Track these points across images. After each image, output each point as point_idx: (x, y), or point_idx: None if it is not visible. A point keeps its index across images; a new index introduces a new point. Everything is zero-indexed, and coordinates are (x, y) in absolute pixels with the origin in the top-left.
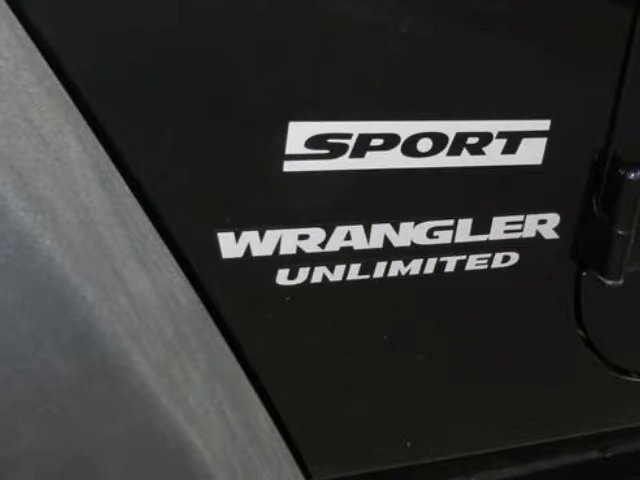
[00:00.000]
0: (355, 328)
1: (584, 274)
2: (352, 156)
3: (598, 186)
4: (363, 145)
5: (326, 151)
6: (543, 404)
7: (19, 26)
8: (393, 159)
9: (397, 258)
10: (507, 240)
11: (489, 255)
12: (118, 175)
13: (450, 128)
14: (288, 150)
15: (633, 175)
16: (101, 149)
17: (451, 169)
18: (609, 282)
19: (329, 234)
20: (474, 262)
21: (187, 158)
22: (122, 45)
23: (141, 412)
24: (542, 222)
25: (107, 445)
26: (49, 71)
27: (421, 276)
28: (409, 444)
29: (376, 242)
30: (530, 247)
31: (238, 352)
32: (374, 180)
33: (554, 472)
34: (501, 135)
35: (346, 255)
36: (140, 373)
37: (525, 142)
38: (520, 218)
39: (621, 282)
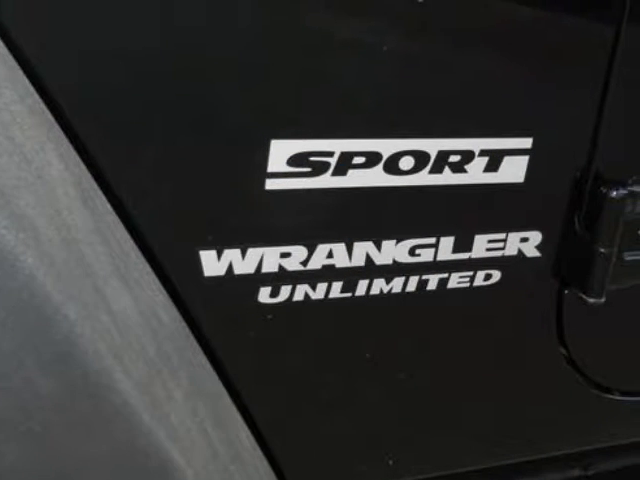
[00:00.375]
0: (337, 346)
1: (566, 292)
2: (334, 174)
3: (580, 204)
4: (345, 163)
5: (308, 169)
6: (525, 422)
7: (0, 44)
8: (375, 177)
9: (379, 276)
10: (489, 258)
11: (471, 273)
12: (100, 193)
13: (432, 146)
14: (270, 168)
15: (615, 193)
16: (83, 167)
17: (433, 187)
18: (591, 300)
19: (311, 252)
20: (456, 280)
21: (169, 176)
22: (104, 63)
23: (123, 430)
24: (524, 240)
25: (89, 463)
26: (31, 89)
27: (403, 294)
28: (391, 462)
29: (358, 260)
30: (512, 265)
31: (220, 370)
32: (356, 198)
33: None
34: (483, 153)
35: (328, 273)
36: (122, 391)
37: (507, 160)
38: (502, 236)
39: (603, 300)
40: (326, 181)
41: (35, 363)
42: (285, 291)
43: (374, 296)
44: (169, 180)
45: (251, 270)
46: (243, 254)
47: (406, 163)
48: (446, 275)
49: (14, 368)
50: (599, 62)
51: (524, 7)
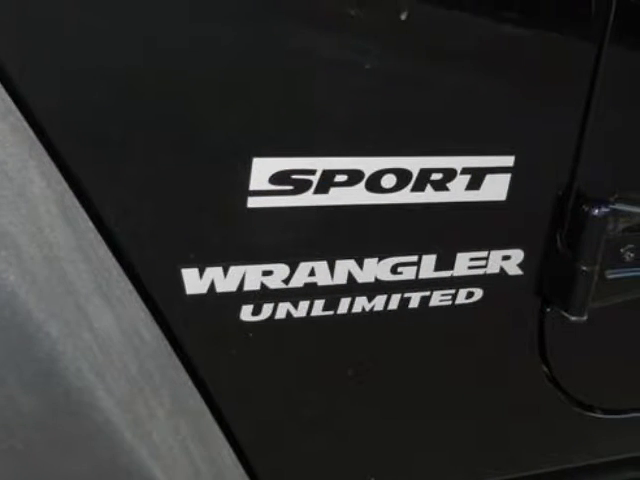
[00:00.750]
0: (319, 364)
1: (548, 310)
2: (316, 192)
3: (562, 222)
4: (327, 181)
5: (290, 187)
6: (507, 440)
7: None
8: (357, 195)
9: (361, 294)
10: (471, 276)
11: (453, 291)
12: (82, 211)
13: (414, 164)
14: (252, 186)
15: (597, 211)
16: (65, 184)
17: (415, 205)
18: (573, 318)
19: (293, 270)
20: (438, 298)
21: (151, 193)
22: (86, 81)
23: (105, 448)
24: (506, 258)
25: None
26: (13, 107)
27: (385, 312)
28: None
29: (340, 278)
30: (494, 283)
31: (202, 388)
32: (338, 216)
33: None
34: (465, 171)
35: (310, 291)
36: (104, 409)
37: (489, 178)
38: (484, 254)
39: (585, 318)
40: (308, 199)
41: (17, 381)
42: (267, 309)
43: (356, 314)
44: (151, 198)
45: (233, 288)
46: (225, 272)
47: (388, 181)
48: (428, 293)
49: None
50: (581, 80)
51: (506, 26)
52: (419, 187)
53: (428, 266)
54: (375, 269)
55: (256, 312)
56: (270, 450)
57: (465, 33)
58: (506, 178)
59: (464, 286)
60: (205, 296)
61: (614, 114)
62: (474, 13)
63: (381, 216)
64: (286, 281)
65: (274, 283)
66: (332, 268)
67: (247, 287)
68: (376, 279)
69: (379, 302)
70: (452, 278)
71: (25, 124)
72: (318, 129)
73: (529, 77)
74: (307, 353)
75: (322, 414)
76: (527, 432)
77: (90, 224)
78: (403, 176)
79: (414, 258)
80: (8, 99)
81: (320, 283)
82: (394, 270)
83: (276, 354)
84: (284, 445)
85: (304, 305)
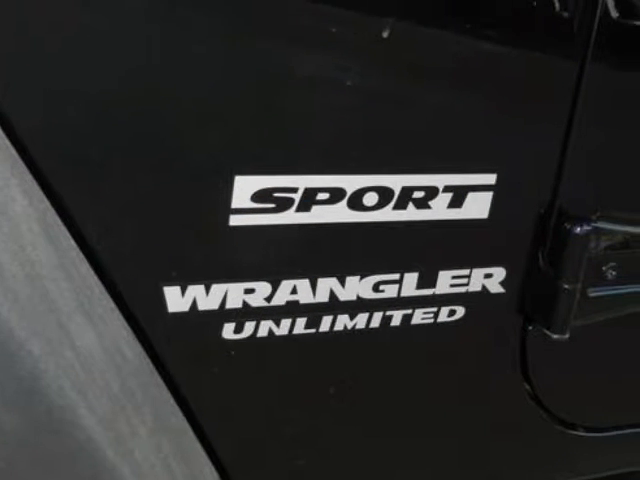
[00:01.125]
0: (301, 382)
1: (530, 328)
2: (298, 210)
3: (544, 240)
4: (309, 199)
5: (272, 205)
6: (489, 458)
7: None
8: (339, 213)
9: (343, 312)
10: (453, 294)
11: (435, 309)
12: (64, 229)
13: (396, 182)
14: (234, 204)
15: (579, 229)
16: (47, 203)
17: (397, 223)
18: (555, 336)
19: (275, 288)
20: (420, 316)
21: (133, 212)
22: (67, 100)
23: (87, 466)
24: (488, 276)
25: None
26: None
27: (367, 330)
28: None
29: (322, 296)
30: (476, 301)
31: (184, 406)
32: (320, 234)
33: None
34: (447, 189)
35: (292, 309)
36: (86, 427)
37: (471, 196)
38: (466, 272)
39: (567, 336)
40: (290, 217)
41: None
42: (249, 327)
43: (338, 332)
44: (133, 216)
45: (215, 306)
46: (207, 290)
47: (370, 199)
48: (410, 311)
49: None
50: (563, 98)
51: (488, 44)
52: (401, 205)
53: (410, 284)
54: (357, 287)
55: (238, 330)
56: (252, 468)
57: (447, 51)
58: (488, 196)
59: (446, 304)
60: (187, 314)
61: (596, 132)
62: (456, 31)
63: (363, 234)
64: (268, 299)
65: (256, 301)
66: (314, 286)
67: (229, 305)
68: (358, 297)
69: (361, 320)
70: (434, 296)
71: (7, 142)
72: (300, 147)
73: (511, 95)
74: (289, 371)
75: (304, 432)
76: (509, 450)
77: (72, 242)
78: (385, 194)
79: (396, 276)
80: None
81: (302, 301)
82: (376, 288)
83: (258, 372)
84: (266, 463)
85: (286, 323)
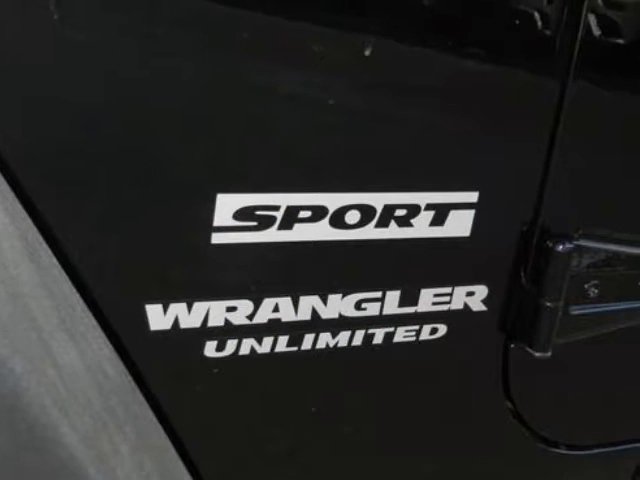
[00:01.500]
0: (283, 400)
1: (512, 346)
2: (280, 228)
3: (526, 258)
4: (291, 217)
5: (254, 223)
6: (471, 476)
7: None
8: (321, 231)
9: (325, 330)
10: (435, 312)
11: (417, 327)
12: (46, 246)
13: (378, 200)
14: (216, 222)
15: (561, 247)
16: (29, 221)
17: (379, 241)
18: (537, 354)
19: (257, 306)
20: (402, 334)
21: (115, 230)
22: (49, 117)
23: None
24: (470, 294)
25: None
26: None
27: (349, 348)
28: None
29: (304, 314)
30: (458, 319)
31: (166, 424)
32: (302, 252)
33: None
34: (429, 207)
35: (274, 327)
36: (68, 445)
37: (453, 214)
38: (448, 290)
39: (549, 354)
40: (272, 235)
41: None
42: (231, 345)
43: (320, 350)
44: (115, 234)
45: (197, 324)
46: (189, 308)
47: (352, 217)
48: (392, 329)
49: None
50: (545, 117)
51: (470, 62)
52: (383, 223)
53: (392, 302)
54: (339, 305)
55: (220, 348)
56: None
57: (429, 70)
58: (470, 214)
59: (428, 322)
60: (169, 332)
61: (578, 150)
62: (438, 50)
63: (345, 252)
64: (250, 317)
65: (238, 319)
66: (296, 304)
67: (211, 323)
68: (340, 315)
69: (343, 338)
70: (416, 314)
71: None
72: (282, 165)
73: (493, 113)
74: (271, 389)
75: (286, 450)
76: (491, 468)
77: (54, 260)
78: (367, 212)
79: (378, 294)
80: None
81: (284, 319)
82: (358, 306)
83: (240, 390)
84: None
85: (268, 341)
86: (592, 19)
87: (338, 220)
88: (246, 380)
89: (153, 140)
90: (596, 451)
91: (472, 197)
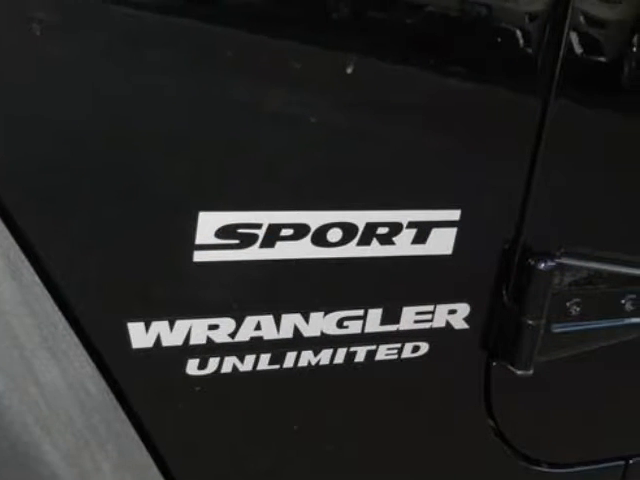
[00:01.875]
0: (265, 418)
1: (494, 364)
2: (262, 246)
3: (508, 276)
4: (273, 235)
5: (236, 241)
6: None
7: None
8: (303, 249)
9: (307, 348)
10: (417, 330)
11: (399, 345)
12: (27, 264)
13: (360, 218)
14: (198, 240)
15: (543, 265)
16: (11, 239)
17: (361, 259)
18: (519, 372)
19: (239, 324)
20: (384, 352)
21: (97, 248)
22: (32, 134)
23: None
24: (452, 312)
25: None
26: None
27: (331, 366)
28: None
29: (286, 332)
30: (440, 337)
31: (148, 442)
32: (284, 270)
33: None
34: (411, 225)
35: (256, 345)
36: (50, 463)
37: (435, 232)
38: (430, 308)
39: (531, 372)
40: (254, 253)
41: None
42: (213, 363)
43: (302, 368)
44: (97, 252)
45: (179, 342)
46: (171, 326)
47: (334, 235)
48: (374, 347)
49: None
50: (527, 135)
51: (452, 81)
52: (365, 241)
53: (374, 320)
54: (321, 323)
55: (202, 366)
56: None
57: (411, 88)
58: (452, 232)
59: (410, 340)
60: (151, 350)
61: (560, 169)
62: (420, 68)
63: (327, 270)
64: (232, 335)
65: (220, 337)
66: (278, 322)
67: (193, 341)
68: (322, 333)
69: (325, 356)
70: (398, 332)
71: None
72: (264, 183)
73: (475, 131)
74: (253, 407)
75: (268, 468)
76: None
77: (36, 278)
78: (349, 230)
79: (360, 312)
80: None
81: (266, 337)
82: (340, 324)
83: (222, 408)
84: None
85: (250, 359)
86: (574, 37)
87: (320, 238)
88: (228, 398)
89: (135, 158)
90: (578, 469)
91: (454, 215)
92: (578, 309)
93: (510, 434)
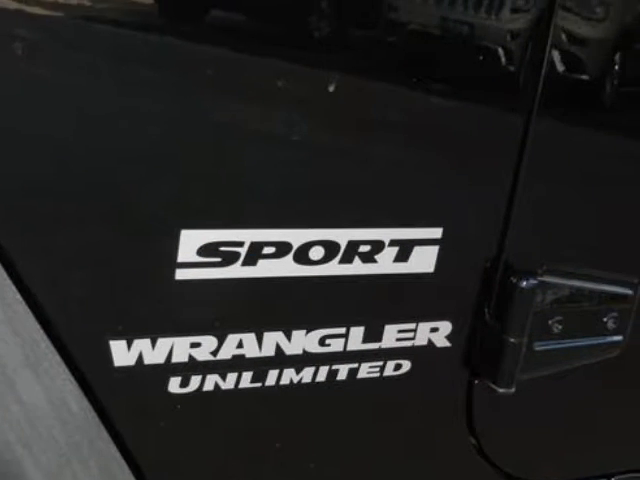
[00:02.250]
0: (247, 436)
1: (476, 382)
2: (244, 264)
3: (490, 294)
4: (255, 253)
5: (218, 259)
6: None
7: None
8: (285, 267)
9: (289, 366)
10: (399, 348)
11: (381, 363)
12: (9, 282)
13: (342, 236)
14: (180, 258)
15: (525, 283)
16: None
17: (343, 277)
18: (501, 390)
19: (221, 342)
20: (366, 370)
21: (79, 266)
22: (12, 152)
23: None
24: (434, 330)
25: None
26: None
27: (313, 384)
28: None
29: (268, 350)
30: (422, 355)
31: (130, 460)
32: (266, 288)
33: None
34: (393, 243)
35: (238, 363)
36: None
37: (417, 250)
38: (412, 326)
39: (513, 390)
40: (236, 271)
41: None
42: (195, 381)
43: (284, 386)
44: (79, 270)
45: (161, 360)
46: (153, 344)
47: (316, 253)
48: (356, 365)
49: None
50: (509, 153)
51: (435, 98)
52: (347, 259)
53: (356, 338)
54: (303, 341)
55: (184, 384)
56: None
57: (393, 106)
58: (434, 250)
59: (392, 358)
60: (133, 368)
61: (542, 187)
62: (402, 86)
63: (309, 288)
64: (214, 353)
65: (202, 355)
66: (260, 340)
67: (175, 359)
68: (304, 351)
69: (307, 374)
70: (380, 350)
71: None
72: (246, 201)
73: (457, 149)
74: (235, 425)
75: None
76: None
77: (18, 296)
78: (331, 248)
79: (342, 330)
80: None
81: (248, 355)
82: (322, 342)
83: (204, 426)
84: None
85: (232, 377)
86: (556, 55)
87: (302, 256)
88: (210, 416)
89: (117, 176)
90: None
91: (436, 233)
92: (560, 327)
93: (492, 452)
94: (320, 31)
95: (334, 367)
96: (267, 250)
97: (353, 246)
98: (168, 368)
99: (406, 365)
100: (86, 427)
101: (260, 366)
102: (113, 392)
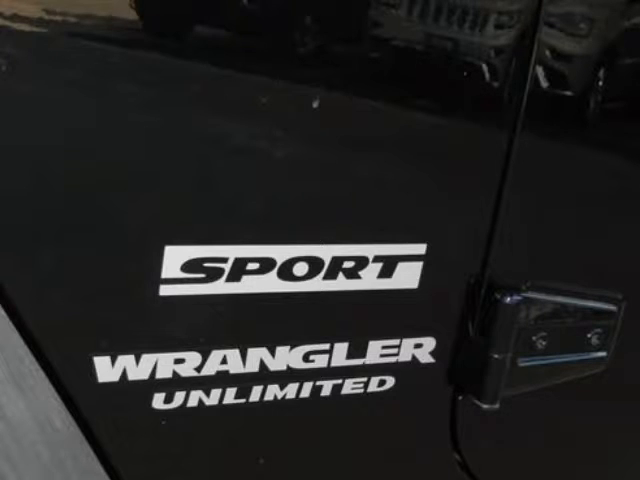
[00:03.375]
0: (231, 452)
1: (460, 398)
2: (228, 280)
3: (474, 310)
4: (239, 269)
5: (202, 275)
6: None
7: None
8: (269, 283)
9: (273, 382)
10: (383, 364)
11: (365, 379)
12: None
13: (326, 252)
14: (164, 274)
15: (509, 299)
16: None
17: (327, 293)
18: (485, 406)
19: (205, 358)
20: (350, 386)
21: (63, 282)
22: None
23: None
24: (418, 346)
25: None
26: None
27: (297, 400)
28: None
29: (252, 366)
30: (406, 371)
31: (114, 476)
32: (250, 304)
33: None
34: (377, 259)
35: (222, 379)
36: None
37: (401, 266)
38: (396, 342)
39: (497, 406)
40: (220, 287)
41: None
42: (179, 397)
43: (268, 402)
44: (63, 286)
45: (145, 376)
46: (137, 360)
47: (300, 269)
48: (340, 381)
49: None
50: (493, 169)
51: (418, 114)
52: (331, 275)
53: (340, 354)
54: (287, 357)
55: (168, 400)
56: None
57: (377, 122)
58: (418, 266)
59: (376, 374)
60: (117, 384)
61: (526, 202)
62: (386, 102)
63: (293, 304)
64: (198, 369)
65: (186, 371)
66: (244, 356)
67: (159, 375)
68: (288, 367)
69: (291, 390)
70: (364, 366)
71: None
72: (230, 217)
73: (441, 166)
74: (219, 441)
75: None
76: None
77: (2, 312)
78: (315, 264)
79: (326, 346)
80: None
81: (232, 371)
82: (306, 358)
83: (188, 442)
84: None
85: (216, 393)
86: (540, 71)
87: (286, 272)
88: (194, 432)
89: (100, 192)
90: None
91: (420, 249)
92: (544, 343)
93: (476, 468)
94: (304, 47)
95: (318, 383)
96: (251, 266)
97: (337, 262)
98: (152, 384)
99: (390, 381)
100: (70, 443)
101: (244, 382)
102: (97, 408)
